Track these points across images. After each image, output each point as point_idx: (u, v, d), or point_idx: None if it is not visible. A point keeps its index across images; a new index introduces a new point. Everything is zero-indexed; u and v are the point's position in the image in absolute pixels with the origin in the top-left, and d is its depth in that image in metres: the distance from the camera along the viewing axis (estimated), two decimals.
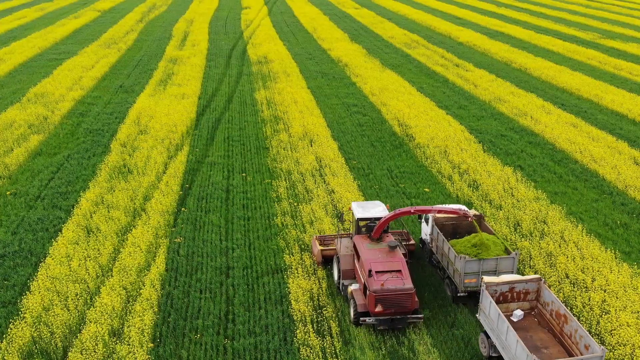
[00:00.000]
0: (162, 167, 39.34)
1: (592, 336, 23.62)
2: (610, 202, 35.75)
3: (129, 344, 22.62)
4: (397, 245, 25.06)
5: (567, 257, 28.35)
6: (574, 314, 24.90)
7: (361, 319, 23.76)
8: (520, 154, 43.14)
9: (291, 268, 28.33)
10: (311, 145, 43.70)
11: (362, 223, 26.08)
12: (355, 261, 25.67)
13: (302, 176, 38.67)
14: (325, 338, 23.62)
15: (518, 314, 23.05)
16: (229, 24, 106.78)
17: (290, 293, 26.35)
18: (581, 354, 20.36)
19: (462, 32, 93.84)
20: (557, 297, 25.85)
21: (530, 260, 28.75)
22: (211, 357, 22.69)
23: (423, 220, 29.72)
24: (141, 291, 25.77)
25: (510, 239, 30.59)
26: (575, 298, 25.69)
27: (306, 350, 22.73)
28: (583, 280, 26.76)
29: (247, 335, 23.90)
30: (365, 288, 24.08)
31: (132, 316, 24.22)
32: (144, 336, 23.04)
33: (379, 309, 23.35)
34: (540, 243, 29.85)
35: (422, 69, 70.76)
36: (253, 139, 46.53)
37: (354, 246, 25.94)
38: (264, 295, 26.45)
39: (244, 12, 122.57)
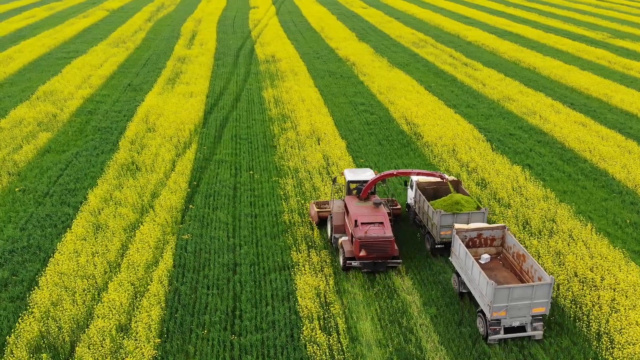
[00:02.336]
0: (170, 165, 39.43)
1: (602, 335, 23.49)
2: (620, 201, 35.50)
3: (136, 339, 22.67)
4: (382, 202, 29.06)
5: (576, 256, 28.16)
6: (588, 315, 24.80)
7: (347, 262, 27.39)
8: (529, 153, 42.93)
9: (298, 265, 28.31)
10: (318, 144, 43.68)
11: (352, 186, 30.44)
12: (345, 217, 29.37)
13: (309, 174, 38.65)
14: (332, 335, 23.58)
15: (485, 257, 26.52)
16: (237, 23, 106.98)
17: (297, 290, 26.34)
18: None
19: (470, 32, 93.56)
20: (566, 296, 25.76)
21: (539, 259, 28.58)
22: (218, 352, 22.71)
23: (409, 186, 33.16)
24: (149, 287, 25.83)
25: (519, 237, 30.44)
26: (584, 296, 25.51)
27: (313, 347, 22.69)
28: (592, 279, 26.58)
29: (254, 331, 23.90)
30: (352, 237, 27.65)
31: (140, 312, 24.26)
32: (151, 331, 23.08)
33: (363, 253, 26.96)
34: (549, 242, 29.68)
35: (430, 68, 70.59)
36: (260, 137, 46.56)
37: (345, 205, 29.69)
38: (271, 292, 26.45)
39: (252, 11, 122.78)
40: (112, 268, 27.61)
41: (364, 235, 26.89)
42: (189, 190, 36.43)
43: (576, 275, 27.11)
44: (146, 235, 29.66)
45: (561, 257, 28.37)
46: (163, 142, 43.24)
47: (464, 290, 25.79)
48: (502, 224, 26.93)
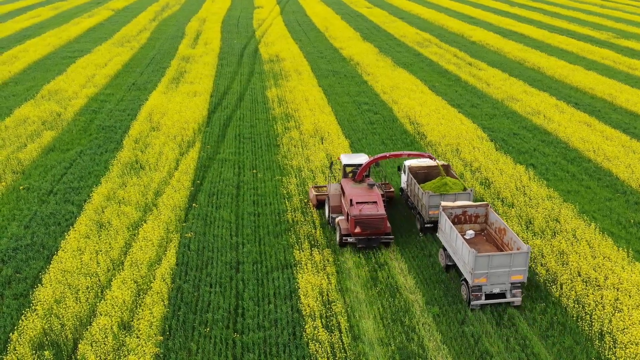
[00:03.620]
0: (174, 164, 39.52)
1: (604, 334, 23.41)
2: (624, 201, 35.38)
3: (138, 337, 22.71)
4: (375, 184, 31.11)
5: (580, 256, 28.08)
6: (591, 314, 24.75)
7: (344, 238, 29.29)
8: (533, 153, 42.83)
9: (300, 263, 28.33)
10: (322, 143, 43.68)
11: (348, 169, 32.65)
12: (342, 198, 31.28)
13: (312, 173, 38.66)
14: (334, 333, 23.58)
15: (470, 233, 28.53)
16: (241, 23, 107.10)
17: (299, 288, 26.34)
18: None
19: (475, 32, 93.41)
20: (569, 295, 25.70)
21: (542, 258, 28.51)
22: (220, 350, 22.73)
23: (402, 171, 34.88)
24: (152, 285, 25.88)
25: (522, 237, 30.37)
26: (588, 296, 25.44)
27: (315, 345, 22.69)
28: (595, 278, 26.50)
29: (257, 329, 23.92)
30: (348, 215, 29.56)
31: (142, 309, 24.32)
32: (153, 329, 23.12)
33: (357, 230, 28.84)
34: (552, 241, 29.60)
35: (434, 68, 70.51)
36: (264, 137, 46.60)
37: (341, 187, 31.65)
38: (273, 290, 26.46)
39: (256, 11, 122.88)
40: (115, 266, 27.68)
41: (359, 213, 28.86)
42: (192, 189, 36.49)
43: (579, 275, 27.04)
44: (149, 233, 29.73)
45: (564, 257, 28.29)
46: (167, 141, 43.33)
47: (449, 263, 27.68)
48: (485, 202, 28.97)
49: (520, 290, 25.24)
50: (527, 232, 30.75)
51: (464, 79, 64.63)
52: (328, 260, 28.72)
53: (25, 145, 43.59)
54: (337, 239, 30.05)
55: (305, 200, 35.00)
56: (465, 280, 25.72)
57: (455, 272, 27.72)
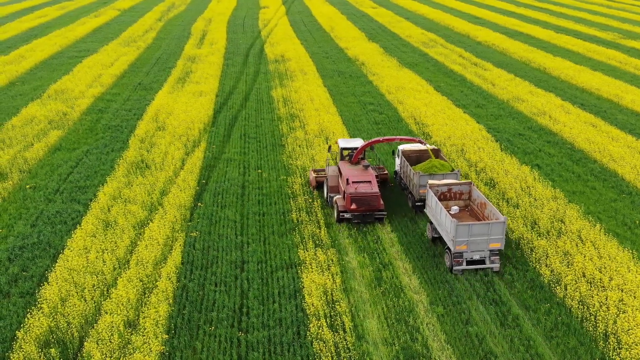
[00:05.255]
0: (180, 163, 39.66)
1: (609, 335, 23.39)
2: (629, 202, 35.31)
3: (144, 335, 22.83)
4: (369, 165, 33.63)
5: (584, 257, 28.05)
6: (595, 315, 24.72)
7: (340, 214, 31.79)
8: (538, 153, 42.77)
9: (305, 263, 28.41)
10: (327, 143, 43.73)
11: (345, 152, 35.58)
12: (339, 179, 33.67)
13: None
14: (338, 333, 23.64)
15: (454, 208, 30.54)
16: (247, 23, 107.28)
17: (304, 287, 26.43)
18: None
19: (480, 32, 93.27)
20: (573, 296, 25.69)
21: (547, 259, 28.50)
22: (225, 349, 22.83)
23: (396, 155, 37.63)
24: (157, 283, 26.01)
25: (527, 237, 30.36)
26: (592, 297, 25.42)
27: (319, 345, 22.76)
28: (600, 279, 26.47)
29: (261, 328, 24.01)
30: (344, 194, 31.98)
31: (148, 308, 24.45)
32: (158, 327, 23.24)
33: (353, 207, 31.44)
34: (557, 242, 29.58)
35: (439, 68, 70.46)
36: (269, 136, 46.71)
37: (338, 168, 34.00)
38: (278, 290, 26.55)
39: (262, 11, 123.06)
40: (121, 265, 27.83)
41: (355, 191, 31.44)
42: (197, 188, 36.63)
43: (584, 276, 27.02)
44: (155, 232, 29.87)
45: (569, 258, 28.27)
46: (173, 140, 43.49)
47: (435, 235, 30.09)
48: (469, 181, 31.37)
49: (498, 257, 27.59)
50: (532, 233, 30.73)
51: (470, 80, 64.57)
52: (332, 260, 28.79)
53: (31, 144, 43.84)
54: (335, 215, 32.31)
55: (310, 200, 35.09)
56: (448, 248, 27.91)
57: (442, 246, 29.85)
